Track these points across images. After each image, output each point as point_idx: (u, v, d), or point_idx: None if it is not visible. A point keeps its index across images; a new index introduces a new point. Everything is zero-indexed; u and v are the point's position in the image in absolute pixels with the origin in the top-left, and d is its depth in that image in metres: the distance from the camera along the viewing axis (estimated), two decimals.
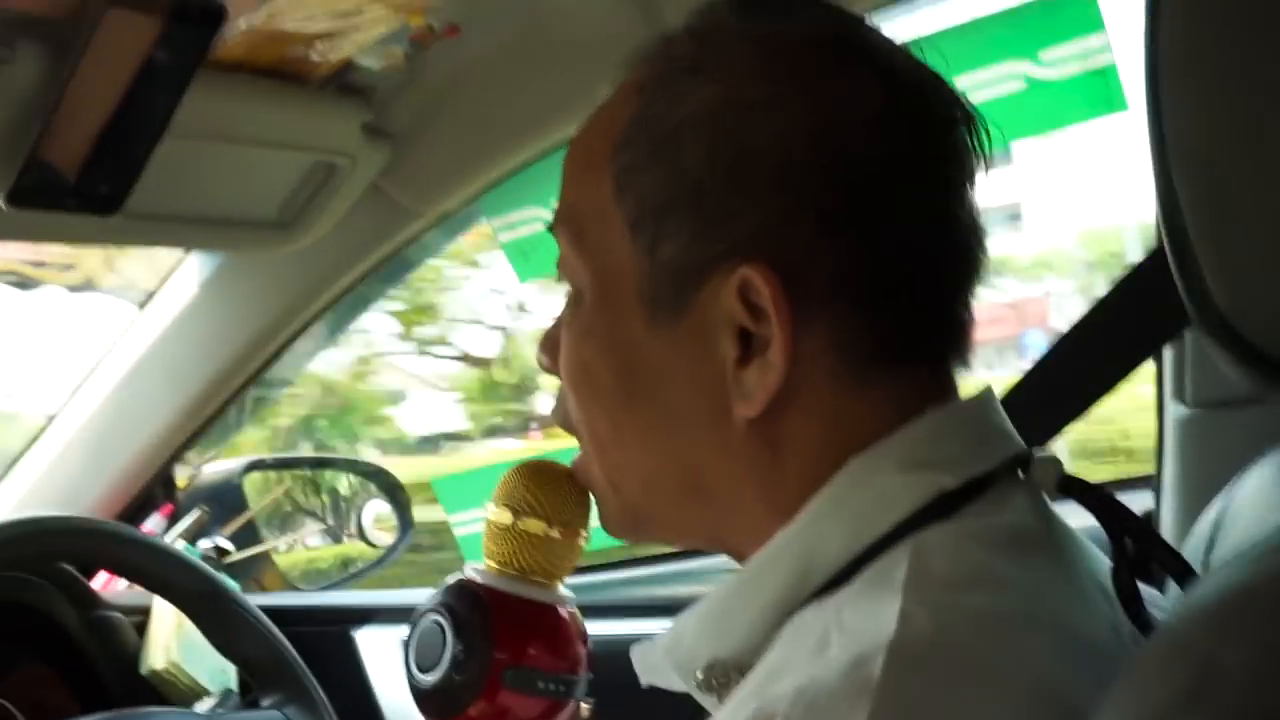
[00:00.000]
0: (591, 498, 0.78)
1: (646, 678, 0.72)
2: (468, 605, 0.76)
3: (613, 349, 0.71)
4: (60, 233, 1.28)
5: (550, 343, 0.76)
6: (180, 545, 1.68)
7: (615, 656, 0.73)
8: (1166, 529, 1.26)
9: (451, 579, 0.79)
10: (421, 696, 0.77)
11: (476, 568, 0.79)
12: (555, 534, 0.78)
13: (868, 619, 0.59)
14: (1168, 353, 1.27)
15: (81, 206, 1.16)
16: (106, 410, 1.69)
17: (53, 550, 1.48)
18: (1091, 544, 0.70)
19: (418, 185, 1.48)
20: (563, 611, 0.79)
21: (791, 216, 0.65)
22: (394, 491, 2.04)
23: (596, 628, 0.81)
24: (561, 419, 0.76)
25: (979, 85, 1.32)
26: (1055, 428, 1.10)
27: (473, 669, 0.75)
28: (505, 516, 0.78)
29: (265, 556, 1.93)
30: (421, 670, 0.76)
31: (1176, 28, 0.52)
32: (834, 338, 0.66)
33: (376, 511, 2.03)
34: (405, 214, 1.51)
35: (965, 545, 0.63)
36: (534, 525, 0.78)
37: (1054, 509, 0.69)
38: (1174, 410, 1.27)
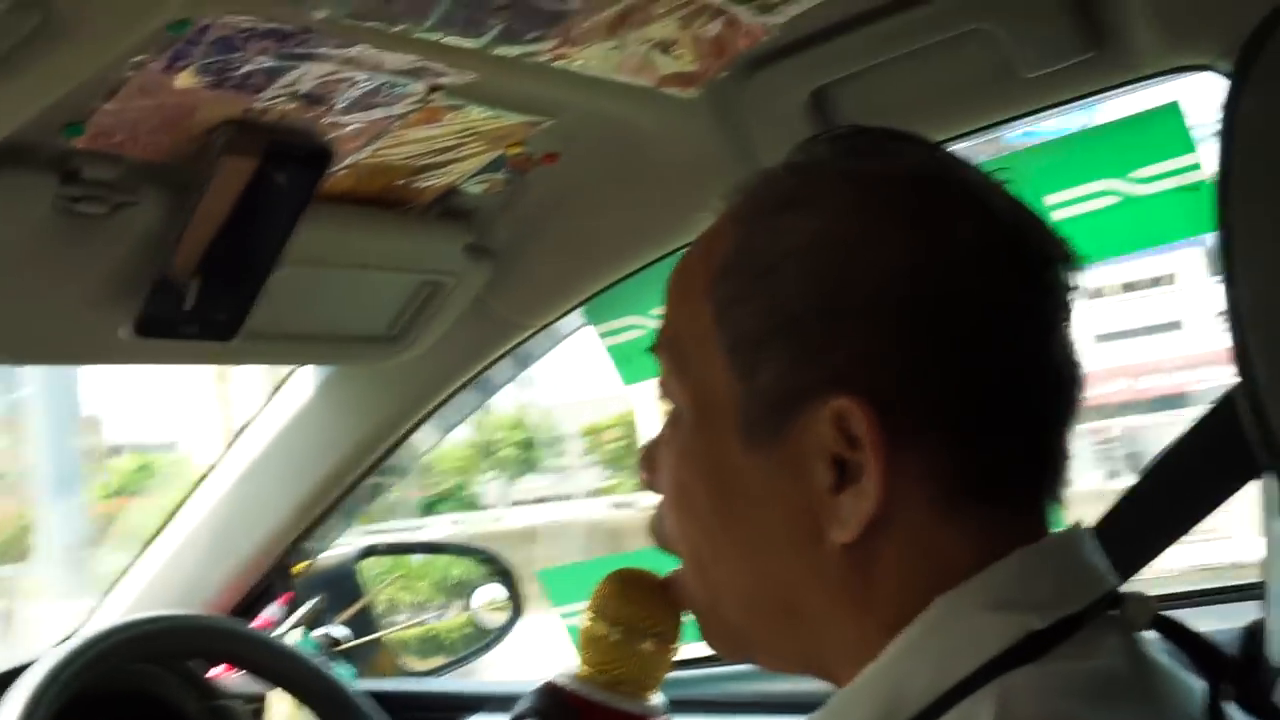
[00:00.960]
0: (685, 609, 0.78)
1: None
2: (559, 711, 0.78)
3: (710, 471, 0.72)
4: (182, 355, 1.34)
5: (648, 459, 0.77)
6: (298, 633, 1.74)
7: None
8: (1276, 637, 1.23)
9: (545, 681, 0.80)
10: None
11: (568, 673, 0.80)
12: (647, 646, 0.79)
13: None
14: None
15: (202, 334, 1.22)
16: (225, 508, 1.75)
17: (181, 648, 1.55)
18: (1188, 678, 0.68)
19: (519, 299, 1.52)
20: None
21: (887, 349, 0.66)
22: (505, 575, 2.07)
23: None
24: (659, 535, 0.77)
25: (1072, 201, 1.31)
26: (1147, 557, 1.09)
27: None
28: (598, 627, 0.79)
29: (378, 641, 1.98)
30: None
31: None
32: (928, 468, 0.66)
33: (488, 595, 2.06)
34: (507, 325, 1.56)
35: (1052, 692, 0.62)
36: (625, 636, 0.79)
37: (1146, 646, 0.68)
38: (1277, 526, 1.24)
